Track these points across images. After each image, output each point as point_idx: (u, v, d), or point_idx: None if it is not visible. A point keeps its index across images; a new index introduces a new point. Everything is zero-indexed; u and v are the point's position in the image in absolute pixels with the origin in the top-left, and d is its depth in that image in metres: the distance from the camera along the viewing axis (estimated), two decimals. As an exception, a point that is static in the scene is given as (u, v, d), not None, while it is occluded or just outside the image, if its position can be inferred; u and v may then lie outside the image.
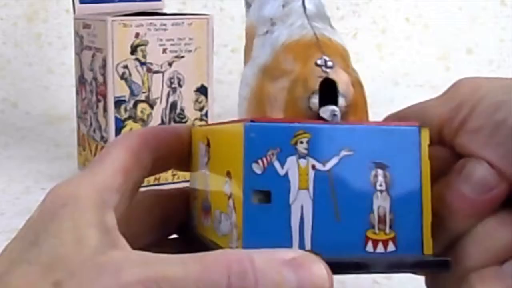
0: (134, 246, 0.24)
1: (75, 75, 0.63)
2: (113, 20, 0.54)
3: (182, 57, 0.57)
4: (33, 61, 0.91)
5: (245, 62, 0.34)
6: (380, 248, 0.25)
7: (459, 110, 0.27)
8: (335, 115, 0.27)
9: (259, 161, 0.24)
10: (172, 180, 0.56)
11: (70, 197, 0.25)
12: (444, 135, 0.27)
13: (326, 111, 0.28)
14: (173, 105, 0.58)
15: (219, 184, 0.27)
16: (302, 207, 0.24)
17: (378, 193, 0.25)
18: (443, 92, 0.28)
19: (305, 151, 0.25)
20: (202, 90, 0.58)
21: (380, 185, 0.25)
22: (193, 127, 0.31)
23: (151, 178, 0.55)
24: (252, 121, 0.24)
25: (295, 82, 0.28)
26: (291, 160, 0.25)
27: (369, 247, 0.25)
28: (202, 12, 0.62)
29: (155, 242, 0.30)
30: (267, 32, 0.31)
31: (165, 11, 0.63)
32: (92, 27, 0.57)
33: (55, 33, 0.92)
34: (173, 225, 0.31)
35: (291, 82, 0.28)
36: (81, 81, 0.61)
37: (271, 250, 0.23)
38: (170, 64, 0.57)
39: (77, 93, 0.63)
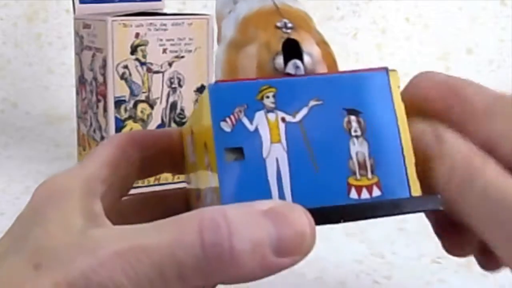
0: None
1: (75, 75, 0.63)
2: (113, 20, 0.54)
3: (182, 57, 0.57)
4: (33, 61, 0.91)
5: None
6: (365, 194, 0.25)
7: None
8: (297, 67, 0.27)
9: (227, 119, 0.24)
10: (172, 180, 0.56)
11: (57, 189, 0.26)
12: None
13: (289, 66, 0.27)
14: (173, 105, 0.58)
15: (202, 162, 0.26)
16: (277, 160, 0.24)
17: (354, 139, 0.25)
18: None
19: (273, 105, 0.25)
20: (202, 90, 0.58)
21: (355, 131, 0.25)
22: (182, 127, 0.31)
23: (151, 178, 0.55)
24: (216, 82, 0.25)
25: (258, 48, 0.28)
26: (259, 114, 0.25)
27: (353, 194, 0.25)
28: (202, 12, 0.62)
29: None
30: (230, 11, 0.31)
31: (165, 11, 0.63)
32: (92, 27, 0.57)
33: (55, 33, 0.92)
34: None
35: (255, 48, 0.28)
36: (81, 81, 0.61)
37: (246, 203, 0.23)
38: (170, 64, 0.57)
39: (77, 93, 0.63)
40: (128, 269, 0.22)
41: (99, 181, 0.27)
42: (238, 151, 0.24)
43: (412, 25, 1.00)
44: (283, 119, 0.25)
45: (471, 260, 0.30)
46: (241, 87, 0.25)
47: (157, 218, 0.31)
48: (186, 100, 0.58)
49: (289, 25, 0.28)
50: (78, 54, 0.62)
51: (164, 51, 0.56)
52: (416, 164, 0.25)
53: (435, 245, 0.42)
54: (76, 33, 0.61)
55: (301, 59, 0.27)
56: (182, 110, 0.58)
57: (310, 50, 0.28)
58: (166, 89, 0.57)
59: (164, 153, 0.31)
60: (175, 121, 0.58)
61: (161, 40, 0.56)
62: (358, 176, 0.25)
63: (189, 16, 0.58)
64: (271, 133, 0.24)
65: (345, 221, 0.24)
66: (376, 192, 0.25)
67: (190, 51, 0.57)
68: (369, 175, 0.25)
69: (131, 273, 0.22)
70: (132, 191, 0.31)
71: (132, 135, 0.30)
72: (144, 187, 0.53)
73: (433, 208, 0.25)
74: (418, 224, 0.45)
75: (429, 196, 0.25)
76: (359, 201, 0.24)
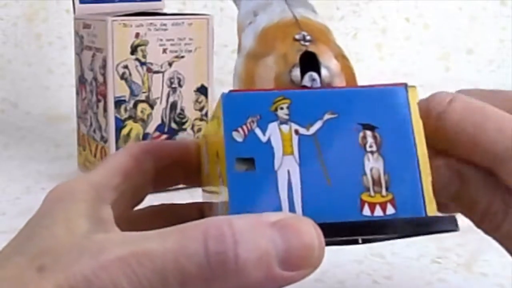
0: None
1: (75, 75, 0.63)
2: (113, 20, 0.54)
3: (182, 57, 0.57)
4: (33, 61, 0.91)
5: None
6: (378, 212, 0.24)
7: None
8: (314, 79, 0.27)
9: (239, 129, 0.24)
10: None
11: (66, 194, 0.26)
12: None
13: (305, 78, 0.27)
14: (173, 105, 0.58)
15: (214, 172, 0.26)
16: (289, 172, 0.24)
17: (369, 155, 0.24)
18: None
19: (286, 117, 0.25)
20: (202, 90, 0.58)
21: (370, 146, 0.24)
22: (199, 139, 0.31)
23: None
24: (230, 91, 0.24)
25: (276, 59, 0.28)
26: (272, 126, 0.24)
27: (366, 211, 0.24)
28: (202, 12, 0.62)
29: None
30: (250, 23, 0.31)
31: (165, 11, 0.63)
32: (92, 27, 0.57)
33: (55, 33, 0.92)
34: None
35: (272, 60, 0.28)
36: (81, 81, 0.61)
37: (254, 214, 0.23)
38: (170, 64, 0.57)
39: (77, 93, 0.63)
40: (130, 274, 0.22)
41: (110, 188, 0.27)
42: (249, 162, 0.24)
43: (412, 25, 1.00)
44: (296, 131, 0.24)
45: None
46: (255, 97, 0.25)
47: None
48: (186, 100, 0.58)
49: (308, 37, 0.28)
50: (78, 54, 0.62)
51: (164, 51, 0.56)
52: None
53: (435, 245, 0.42)
54: (76, 33, 0.61)
55: (318, 72, 0.27)
56: (182, 110, 0.58)
57: (328, 63, 0.27)
58: (166, 89, 0.57)
59: (180, 165, 0.31)
60: (175, 121, 0.58)
61: (161, 40, 0.56)
62: (372, 193, 0.24)
63: (189, 16, 0.58)
64: (283, 145, 0.24)
65: (354, 237, 0.24)
66: (390, 210, 0.24)
67: (190, 51, 0.57)
68: (384, 192, 0.24)
69: (133, 278, 0.22)
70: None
71: (147, 145, 0.30)
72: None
73: (449, 230, 0.24)
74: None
75: (445, 216, 0.24)
76: (372, 218, 0.24)
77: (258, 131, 0.24)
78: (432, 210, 0.24)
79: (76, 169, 0.63)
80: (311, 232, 0.22)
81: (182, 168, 0.31)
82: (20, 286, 0.23)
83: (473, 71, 0.96)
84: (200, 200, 0.32)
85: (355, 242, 0.29)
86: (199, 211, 0.32)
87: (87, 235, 0.24)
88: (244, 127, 0.24)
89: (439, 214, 0.24)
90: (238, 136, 0.24)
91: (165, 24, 0.56)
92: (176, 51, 0.57)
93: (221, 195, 0.25)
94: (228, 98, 0.24)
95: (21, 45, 0.92)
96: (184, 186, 0.33)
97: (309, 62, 0.27)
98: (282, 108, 0.25)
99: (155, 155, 0.29)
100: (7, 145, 0.74)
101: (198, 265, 0.22)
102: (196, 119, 0.58)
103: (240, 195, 0.24)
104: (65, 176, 0.61)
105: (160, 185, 0.31)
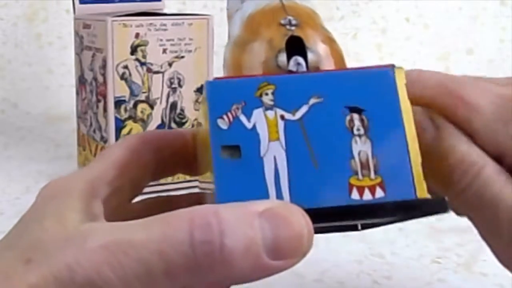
0: None
1: (75, 75, 0.63)
2: (113, 20, 0.54)
3: (182, 57, 0.57)
4: (33, 61, 0.91)
5: None
6: (367, 195, 0.24)
7: None
8: (299, 63, 0.26)
9: (224, 116, 0.24)
10: (172, 180, 0.56)
11: (60, 190, 0.26)
12: None
13: (290, 63, 0.26)
14: (173, 105, 0.58)
15: (205, 161, 0.26)
16: (275, 158, 0.24)
17: (357, 138, 0.24)
18: None
19: (271, 102, 0.24)
20: (202, 91, 0.58)
21: (358, 129, 0.24)
22: (196, 128, 0.30)
23: (151, 178, 0.55)
24: (214, 79, 0.24)
25: (262, 45, 0.27)
26: (257, 112, 0.24)
27: (355, 194, 0.24)
28: (202, 12, 0.62)
29: None
30: (237, 10, 0.31)
31: (165, 11, 0.63)
32: (92, 27, 0.57)
33: (55, 33, 0.92)
34: None
35: (258, 46, 0.27)
36: (81, 81, 0.61)
37: (242, 202, 0.22)
38: (170, 64, 0.57)
39: (77, 93, 0.63)
40: (114, 263, 0.22)
41: (104, 183, 0.27)
42: (235, 149, 0.24)
43: (412, 25, 1.00)
44: (282, 117, 0.24)
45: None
46: (239, 84, 0.24)
47: None
48: (186, 100, 0.58)
49: (294, 22, 0.27)
50: (78, 54, 0.61)
51: (164, 51, 0.56)
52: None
53: (435, 245, 0.42)
54: (76, 33, 0.61)
55: (304, 56, 0.26)
56: (182, 110, 0.58)
57: (315, 47, 0.27)
58: (166, 89, 0.57)
59: (178, 154, 0.30)
60: (175, 121, 0.58)
61: (161, 40, 0.56)
62: (360, 176, 0.24)
63: (189, 16, 0.58)
64: (269, 131, 0.24)
65: (344, 224, 0.24)
66: (379, 193, 0.24)
67: (190, 51, 0.57)
68: (372, 175, 0.24)
69: (117, 267, 0.22)
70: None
71: (144, 136, 0.29)
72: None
73: (440, 212, 0.24)
74: (418, 224, 0.45)
75: (435, 198, 0.24)
76: (361, 202, 0.23)
77: (243, 118, 0.24)
78: (422, 192, 0.24)
79: (76, 169, 0.63)
80: (300, 220, 0.22)
81: (181, 157, 0.30)
82: (5, 279, 0.22)
83: (473, 71, 0.96)
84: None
85: (348, 229, 0.28)
86: (196, 202, 0.31)
87: (75, 227, 0.24)
88: (229, 114, 0.24)
89: (429, 197, 0.24)
90: (223, 124, 0.24)
91: (165, 24, 0.56)
92: (176, 51, 0.57)
93: (211, 184, 0.24)
94: (212, 86, 0.24)
95: (21, 45, 0.92)
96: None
97: (296, 46, 0.27)
98: (267, 94, 0.24)
99: (153, 145, 0.29)
100: (7, 145, 0.74)
101: (183, 254, 0.22)
102: (196, 119, 0.58)
103: (227, 183, 0.23)
104: (65, 176, 0.61)
105: (159, 176, 0.31)
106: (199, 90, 0.58)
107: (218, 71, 0.70)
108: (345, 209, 0.23)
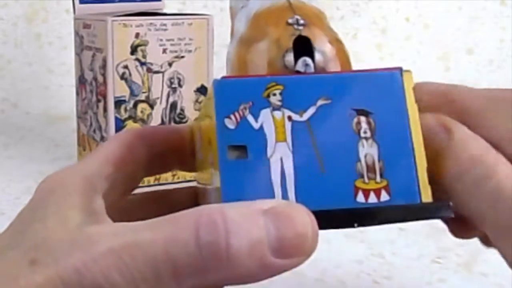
0: None
1: (75, 75, 0.63)
2: (113, 20, 0.54)
3: (182, 57, 0.57)
4: (33, 61, 0.91)
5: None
6: (372, 198, 0.24)
7: None
8: (307, 65, 0.26)
9: (231, 116, 0.24)
10: (172, 180, 0.56)
11: (58, 185, 0.26)
12: None
13: (298, 63, 0.26)
14: (173, 105, 0.58)
15: (206, 159, 0.26)
16: (281, 159, 0.24)
17: (364, 141, 0.24)
18: None
19: (279, 103, 0.24)
20: (202, 90, 0.58)
21: (365, 132, 0.24)
22: (193, 122, 0.30)
23: (151, 178, 0.55)
24: (222, 78, 0.24)
25: (269, 44, 0.27)
26: (265, 112, 0.24)
27: (360, 197, 0.24)
28: (202, 12, 0.62)
29: None
30: (242, 7, 0.30)
31: (165, 11, 0.63)
32: (92, 27, 0.57)
33: (55, 33, 0.92)
34: None
35: (265, 45, 0.27)
36: (81, 81, 0.61)
37: (247, 202, 0.22)
38: (170, 64, 0.57)
39: (77, 93, 0.63)
40: (121, 266, 0.22)
41: (102, 178, 0.27)
42: (242, 149, 0.24)
43: (412, 25, 1.00)
44: (289, 118, 0.24)
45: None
46: (247, 83, 0.24)
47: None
48: (186, 100, 0.58)
49: (301, 21, 0.27)
50: (78, 54, 0.61)
51: (164, 51, 0.56)
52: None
53: (435, 245, 0.42)
54: (76, 33, 0.61)
55: (312, 56, 0.26)
56: (182, 110, 0.58)
57: (322, 48, 0.27)
58: (166, 89, 0.57)
59: (173, 150, 0.30)
60: (175, 121, 0.58)
61: (161, 40, 0.56)
62: (366, 179, 0.24)
63: (189, 16, 0.58)
64: (276, 132, 0.24)
65: (349, 225, 0.23)
66: (385, 197, 0.24)
67: (190, 51, 0.57)
68: (378, 179, 0.24)
69: (125, 270, 0.22)
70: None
71: (139, 132, 0.29)
72: (143, 187, 0.53)
73: (444, 216, 0.24)
74: (418, 224, 0.45)
75: (439, 202, 0.24)
76: (366, 205, 0.23)
77: (250, 118, 0.24)
78: (427, 196, 0.24)
79: (76, 169, 0.63)
80: (305, 219, 0.22)
81: (177, 153, 0.30)
82: (11, 280, 0.22)
83: (473, 71, 0.96)
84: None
85: (350, 226, 0.28)
86: (192, 196, 0.31)
87: (79, 227, 0.24)
88: (236, 114, 0.24)
89: (433, 201, 0.24)
90: (230, 123, 0.24)
91: (165, 24, 0.56)
92: (176, 51, 0.57)
93: (214, 182, 0.24)
94: (220, 85, 0.24)
95: (21, 45, 0.92)
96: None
97: (303, 46, 0.26)
98: (274, 94, 0.24)
99: (148, 141, 0.29)
100: (7, 145, 0.74)
101: (190, 255, 0.22)
102: (196, 119, 0.58)
103: (233, 183, 0.23)
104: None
105: (155, 171, 0.31)
106: (199, 90, 0.58)
107: (218, 71, 0.70)
108: (351, 212, 0.23)
